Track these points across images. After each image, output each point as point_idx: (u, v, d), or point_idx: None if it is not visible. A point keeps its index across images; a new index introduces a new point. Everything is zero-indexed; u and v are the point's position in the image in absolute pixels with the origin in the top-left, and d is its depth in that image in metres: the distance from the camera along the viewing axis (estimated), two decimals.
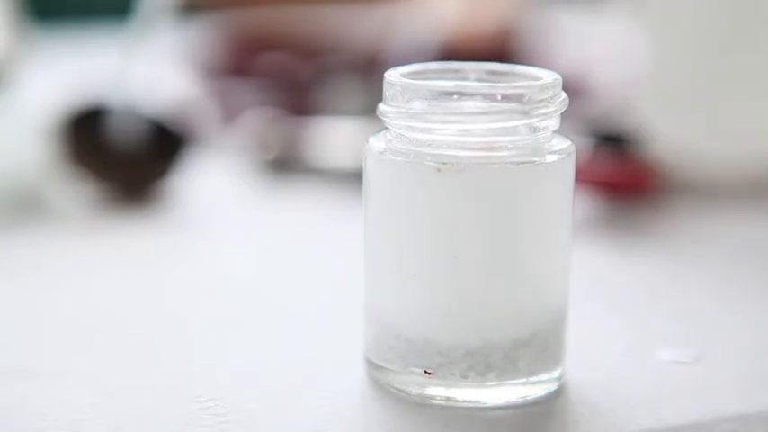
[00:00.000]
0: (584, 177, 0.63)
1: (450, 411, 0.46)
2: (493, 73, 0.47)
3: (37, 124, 0.74)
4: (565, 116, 0.47)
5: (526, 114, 0.45)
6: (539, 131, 0.46)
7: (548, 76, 0.46)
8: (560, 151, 0.46)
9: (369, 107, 0.63)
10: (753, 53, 0.74)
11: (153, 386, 0.48)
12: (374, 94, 0.50)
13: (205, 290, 0.60)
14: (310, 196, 0.76)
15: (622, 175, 0.71)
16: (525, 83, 0.46)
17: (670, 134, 0.74)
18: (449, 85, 0.45)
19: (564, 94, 0.46)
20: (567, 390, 0.47)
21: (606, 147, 0.72)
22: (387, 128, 0.47)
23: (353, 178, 0.73)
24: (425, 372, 0.46)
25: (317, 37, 1.02)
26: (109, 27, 1.03)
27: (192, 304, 0.58)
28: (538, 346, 0.46)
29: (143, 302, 0.58)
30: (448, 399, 0.46)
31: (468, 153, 0.45)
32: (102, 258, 0.64)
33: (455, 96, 0.45)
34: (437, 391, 0.46)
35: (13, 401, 0.47)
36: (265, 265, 0.64)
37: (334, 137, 0.80)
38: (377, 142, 0.47)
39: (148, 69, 0.75)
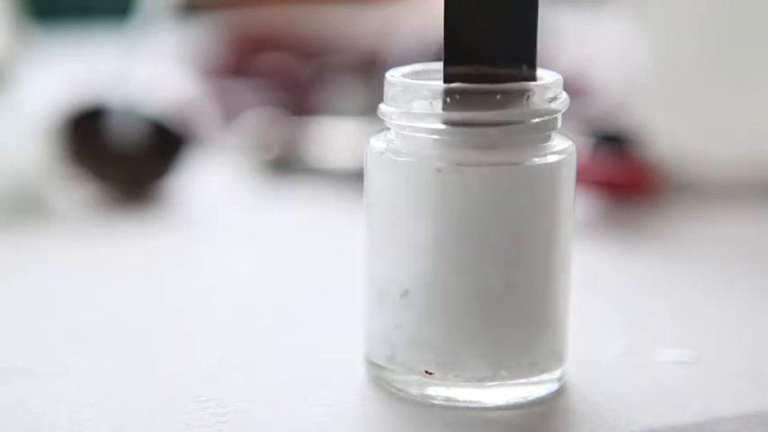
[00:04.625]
0: (584, 177, 0.63)
1: (451, 411, 0.46)
2: None
3: (37, 124, 0.74)
4: (565, 116, 0.47)
5: (526, 114, 0.45)
6: (539, 131, 0.46)
7: (549, 77, 0.46)
8: (561, 151, 0.46)
9: (369, 107, 0.63)
10: (753, 53, 0.74)
11: (153, 386, 0.48)
12: (374, 94, 0.50)
13: (205, 290, 0.60)
14: (310, 196, 0.76)
15: (622, 175, 0.71)
16: (526, 83, 0.46)
17: (670, 134, 0.74)
18: (450, 84, 0.45)
19: (565, 95, 0.46)
20: (567, 390, 0.47)
21: (606, 147, 0.72)
22: (387, 128, 0.47)
23: (353, 178, 0.73)
24: (426, 372, 0.46)
25: (317, 37, 1.02)
26: (109, 27, 1.03)
27: (192, 304, 0.58)
28: (538, 345, 0.46)
29: (143, 302, 0.58)
30: (448, 399, 0.46)
31: (469, 153, 0.45)
32: (102, 258, 0.64)
33: (456, 96, 0.45)
34: (438, 391, 0.46)
35: (13, 401, 0.47)
36: (265, 264, 0.64)
37: (334, 137, 0.80)
38: (377, 142, 0.47)
39: (148, 69, 0.75)
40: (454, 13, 0.45)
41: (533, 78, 0.45)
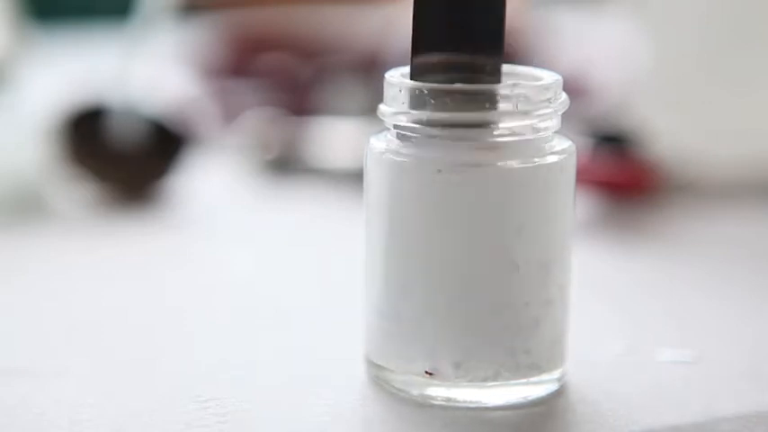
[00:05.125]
0: (584, 177, 0.63)
1: (451, 412, 0.46)
2: None
3: (37, 124, 0.74)
4: (565, 116, 0.47)
5: (526, 115, 0.45)
6: (539, 132, 0.46)
7: (548, 77, 0.46)
8: (561, 151, 0.46)
9: (369, 107, 0.63)
10: (753, 53, 0.74)
11: (153, 386, 0.48)
12: (374, 94, 0.50)
13: (205, 290, 0.60)
14: (310, 196, 0.76)
15: (622, 175, 0.71)
16: (526, 83, 0.46)
17: (670, 134, 0.74)
18: (450, 85, 0.45)
19: (564, 95, 0.46)
20: (567, 390, 0.47)
21: (606, 147, 0.72)
22: (387, 128, 0.47)
23: (353, 178, 0.73)
24: (426, 372, 0.46)
25: (317, 37, 1.02)
26: (109, 27, 1.03)
27: (192, 304, 0.58)
28: (538, 346, 0.46)
29: (143, 302, 0.58)
30: (448, 399, 0.46)
31: (469, 153, 0.45)
32: (101, 258, 0.64)
33: (457, 96, 0.45)
34: (438, 391, 0.46)
35: (13, 401, 0.47)
36: (265, 264, 0.64)
37: (334, 137, 0.80)
38: (377, 142, 0.47)
39: (148, 69, 0.75)
40: (423, 3, 0.45)
41: (499, 68, 0.45)
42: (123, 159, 0.73)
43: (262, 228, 0.71)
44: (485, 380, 0.45)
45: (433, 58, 0.45)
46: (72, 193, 0.73)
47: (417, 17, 0.45)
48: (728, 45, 0.74)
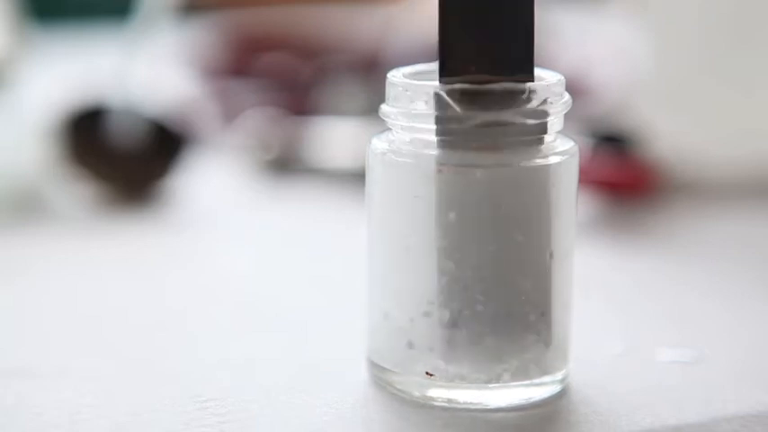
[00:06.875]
0: (584, 177, 0.63)
1: (452, 413, 0.46)
2: None
3: (37, 124, 0.74)
4: (565, 116, 0.47)
5: (528, 115, 0.45)
6: (541, 132, 0.46)
7: (551, 77, 0.46)
8: (563, 152, 0.46)
9: (369, 107, 0.63)
10: (753, 53, 0.74)
11: (153, 386, 0.48)
12: (374, 94, 0.50)
13: (205, 289, 0.60)
14: (310, 196, 0.76)
15: (622, 175, 0.71)
16: (527, 83, 0.46)
17: (670, 134, 0.74)
18: (451, 86, 0.45)
19: (567, 95, 0.46)
20: (567, 391, 0.47)
21: (606, 147, 0.72)
22: (389, 128, 0.47)
23: (354, 178, 0.73)
24: (427, 373, 0.46)
25: (317, 37, 1.02)
26: (109, 27, 1.03)
27: (192, 304, 0.58)
28: (540, 346, 0.46)
29: (143, 302, 0.58)
30: (450, 400, 0.46)
31: (471, 154, 0.45)
32: (101, 258, 0.64)
33: (458, 96, 0.45)
34: (439, 392, 0.46)
35: (13, 401, 0.47)
36: (266, 264, 0.64)
37: (334, 137, 0.80)
38: (379, 143, 0.47)
39: (148, 69, 0.75)
40: (449, 25, 0.45)
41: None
42: (123, 159, 0.73)
43: (262, 227, 0.71)
44: (487, 381, 0.45)
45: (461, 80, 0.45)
46: (72, 193, 0.73)
47: (443, 40, 0.45)
48: (729, 45, 0.74)
